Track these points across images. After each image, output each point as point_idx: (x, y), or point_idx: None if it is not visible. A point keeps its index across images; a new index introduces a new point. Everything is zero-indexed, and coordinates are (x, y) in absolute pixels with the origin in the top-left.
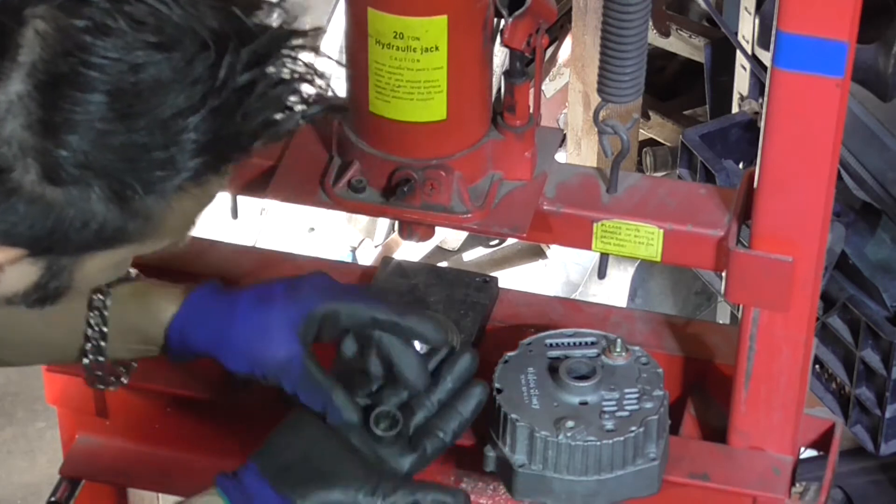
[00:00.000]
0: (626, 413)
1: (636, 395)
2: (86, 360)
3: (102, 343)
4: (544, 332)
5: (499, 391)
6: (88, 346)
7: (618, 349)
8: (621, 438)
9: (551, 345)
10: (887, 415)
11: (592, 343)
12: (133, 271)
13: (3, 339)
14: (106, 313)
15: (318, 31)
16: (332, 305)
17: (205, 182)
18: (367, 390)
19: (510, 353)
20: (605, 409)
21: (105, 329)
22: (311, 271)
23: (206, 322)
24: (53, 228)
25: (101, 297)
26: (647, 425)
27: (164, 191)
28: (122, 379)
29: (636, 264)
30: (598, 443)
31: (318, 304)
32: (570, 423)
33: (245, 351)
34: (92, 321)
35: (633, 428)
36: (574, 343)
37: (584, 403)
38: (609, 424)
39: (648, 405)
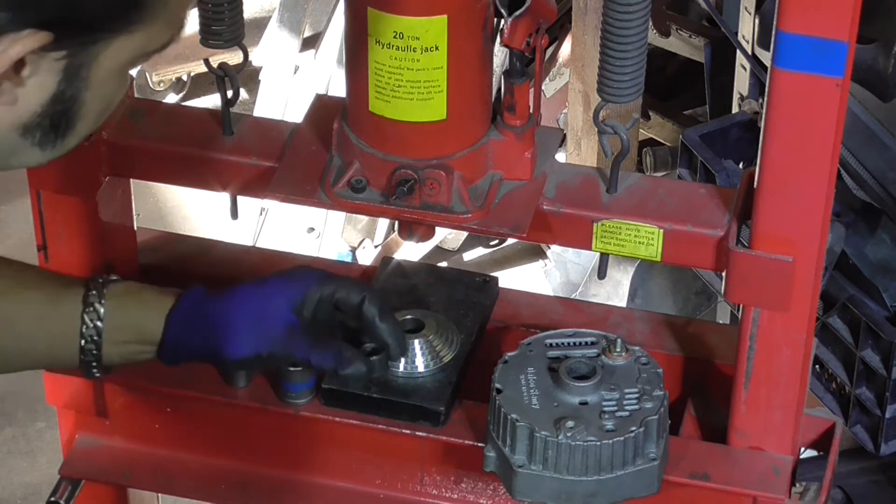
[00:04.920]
0: (626, 413)
1: (636, 395)
2: (83, 357)
3: (97, 338)
4: (544, 332)
5: (499, 391)
6: (83, 343)
7: (618, 349)
8: (621, 438)
9: (551, 345)
10: (887, 415)
11: (592, 343)
12: (116, 276)
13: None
14: (101, 309)
15: None
16: (322, 287)
17: None
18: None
19: (510, 353)
20: (605, 409)
21: (101, 324)
22: (297, 265)
23: (205, 314)
24: None
25: (95, 293)
26: (647, 425)
27: None
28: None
29: (636, 264)
30: (598, 443)
31: (315, 286)
32: (570, 423)
33: (249, 332)
34: (87, 318)
35: (633, 428)
36: (574, 343)
37: (584, 403)
38: (609, 424)
39: (648, 405)
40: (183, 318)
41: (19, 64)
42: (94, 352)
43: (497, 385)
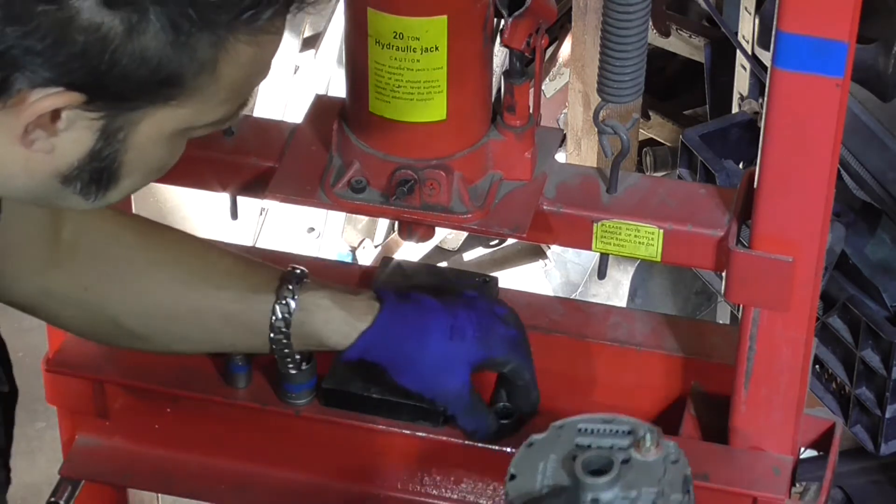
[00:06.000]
0: None
1: (652, 499)
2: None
3: (286, 341)
4: (579, 417)
5: (512, 477)
6: (273, 346)
7: (647, 443)
8: None
9: (583, 430)
10: (887, 415)
11: (628, 433)
12: (304, 270)
13: (190, 335)
14: (290, 317)
15: None
16: (508, 359)
17: (259, 33)
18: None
19: (537, 436)
20: None
21: (288, 330)
22: (498, 307)
23: (393, 345)
24: (112, 62)
25: (285, 303)
26: None
27: (217, 24)
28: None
29: (636, 264)
30: None
31: (500, 354)
32: None
33: (425, 376)
34: (276, 323)
35: None
36: (607, 431)
37: (595, 501)
38: None
39: None
40: (369, 346)
41: (55, 115)
42: (285, 350)
43: (512, 470)
